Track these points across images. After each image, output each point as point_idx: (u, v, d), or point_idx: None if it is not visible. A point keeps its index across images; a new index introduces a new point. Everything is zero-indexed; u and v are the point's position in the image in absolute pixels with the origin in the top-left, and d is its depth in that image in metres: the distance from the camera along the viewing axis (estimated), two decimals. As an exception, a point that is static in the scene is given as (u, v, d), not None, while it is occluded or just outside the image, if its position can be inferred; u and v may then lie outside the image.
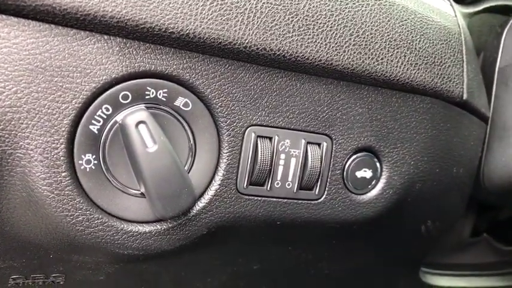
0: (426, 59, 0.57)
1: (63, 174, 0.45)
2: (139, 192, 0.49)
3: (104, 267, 0.55)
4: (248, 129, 0.51)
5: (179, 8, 0.45)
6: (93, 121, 0.45)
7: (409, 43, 0.56)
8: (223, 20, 0.47)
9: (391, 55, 0.55)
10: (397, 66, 0.55)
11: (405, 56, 0.56)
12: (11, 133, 0.43)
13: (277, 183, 0.54)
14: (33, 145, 0.43)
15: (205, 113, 0.50)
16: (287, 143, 0.53)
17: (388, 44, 0.55)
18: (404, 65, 0.56)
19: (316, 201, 0.57)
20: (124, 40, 0.45)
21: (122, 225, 0.49)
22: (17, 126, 0.43)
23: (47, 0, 0.41)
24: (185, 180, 0.47)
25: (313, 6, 0.50)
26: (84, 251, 0.50)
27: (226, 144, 0.51)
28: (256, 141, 0.52)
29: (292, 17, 0.49)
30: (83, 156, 0.46)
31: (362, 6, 0.53)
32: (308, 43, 0.50)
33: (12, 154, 0.43)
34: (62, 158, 0.44)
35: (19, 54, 0.42)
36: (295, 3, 0.49)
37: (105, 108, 0.46)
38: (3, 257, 0.50)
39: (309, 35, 0.50)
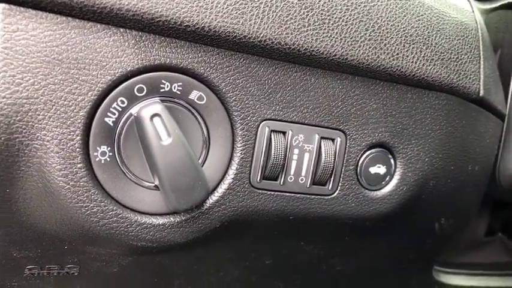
0: (442, 54, 0.57)
1: (79, 165, 0.45)
2: (154, 184, 0.49)
3: (117, 259, 0.55)
4: (262, 123, 0.51)
5: (195, 1, 0.45)
6: (108, 113, 0.46)
7: (425, 38, 0.56)
8: (239, 13, 0.47)
9: (407, 50, 0.55)
10: (412, 62, 0.55)
11: (421, 52, 0.55)
12: (28, 124, 0.43)
13: (291, 178, 0.54)
14: (50, 136, 0.44)
15: (220, 107, 0.50)
16: (301, 137, 0.53)
17: (404, 39, 0.54)
18: (420, 61, 0.55)
19: (329, 197, 0.57)
20: (140, 33, 0.45)
21: (136, 217, 0.49)
22: (34, 118, 0.43)
23: None
24: (199, 174, 0.47)
25: (329, 1, 0.50)
26: (99, 242, 0.50)
27: (240, 138, 0.51)
28: (270, 135, 0.52)
29: (307, 11, 0.49)
30: (98, 148, 0.46)
31: (378, 1, 0.53)
32: (323, 37, 0.50)
33: (29, 145, 0.44)
34: (77, 149, 0.45)
35: (36, 46, 0.42)
36: (310, -3, 0.49)
37: (121, 100, 0.46)
38: (19, 247, 0.51)
39: (324, 29, 0.50)
